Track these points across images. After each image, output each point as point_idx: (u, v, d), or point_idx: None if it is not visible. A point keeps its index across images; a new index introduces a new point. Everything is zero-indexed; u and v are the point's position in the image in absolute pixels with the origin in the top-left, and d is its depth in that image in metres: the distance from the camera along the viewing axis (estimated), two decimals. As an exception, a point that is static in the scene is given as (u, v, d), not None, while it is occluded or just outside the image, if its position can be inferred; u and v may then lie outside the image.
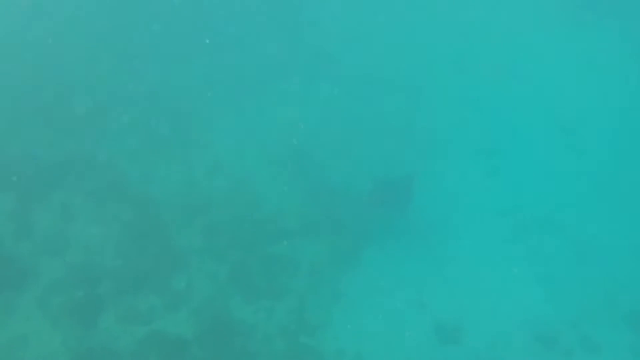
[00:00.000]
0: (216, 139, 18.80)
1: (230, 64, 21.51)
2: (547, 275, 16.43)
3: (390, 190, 17.62)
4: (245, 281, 15.43)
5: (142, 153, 17.54)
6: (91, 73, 19.79)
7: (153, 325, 14.01)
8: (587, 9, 23.92)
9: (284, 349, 14.49)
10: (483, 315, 15.64)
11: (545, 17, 24.25)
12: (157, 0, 23.08)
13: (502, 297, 16.07)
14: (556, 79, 22.13)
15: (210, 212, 16.70)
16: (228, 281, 15.32)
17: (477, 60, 22.05)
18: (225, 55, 21.96)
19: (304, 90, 21.05)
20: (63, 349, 12.84)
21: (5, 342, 12.48)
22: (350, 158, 18.65)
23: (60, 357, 12.67)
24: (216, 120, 19.41)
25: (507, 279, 16.50)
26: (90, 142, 17.43)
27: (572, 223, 17.93)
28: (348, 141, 19.28)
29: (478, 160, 19.52)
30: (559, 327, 15.70)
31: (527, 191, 18.80)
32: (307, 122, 19.87)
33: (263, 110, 20.07)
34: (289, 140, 19.20)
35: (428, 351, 14.92)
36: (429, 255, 16.84)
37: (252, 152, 18.72)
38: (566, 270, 16.86)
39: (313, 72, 21.52)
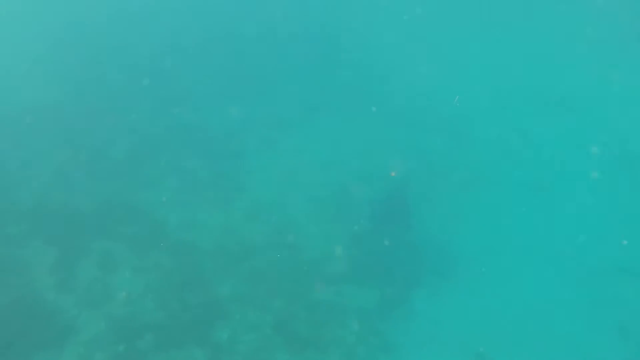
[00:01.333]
0: (255, 180, 18.61)
1: (268, 102, 21.59)
2: (621, 323, 15.27)
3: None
4: (290, 331, 14.82)
5: (180, 197, 17.45)
6: (127, 118, 20.17)
7: (196, 381, 13.59)
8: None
9: (333, 405, 13.80)
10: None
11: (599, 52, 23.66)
12: (182, 45, 23.61)
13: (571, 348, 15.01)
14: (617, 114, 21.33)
15: (251, 258, 16.29)
16: (272, 331, 14.74)
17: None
18: (262, 96, 22.07)
19: (343, 127, 20.83)
20: (106, 408, 12.55)
21: (47, 402, 12.29)
22: (396, 197, 18.19)
23: (103, 418, 12.37)
24: (254, 161, 19.27)
25: (578, 330, 15.45)
26: (129, 187, 17.52)
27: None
28: (391, 178, 18.86)
29: (528, 198, 18.76)
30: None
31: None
32: (348, 158, 19.59)
33: (302, 149, 19.88)
34: (330, 179, 18.88)
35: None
36: (485, 303, 15.97)
37: (293, 192, 18.40)
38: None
39: (352, 107, 21.37)
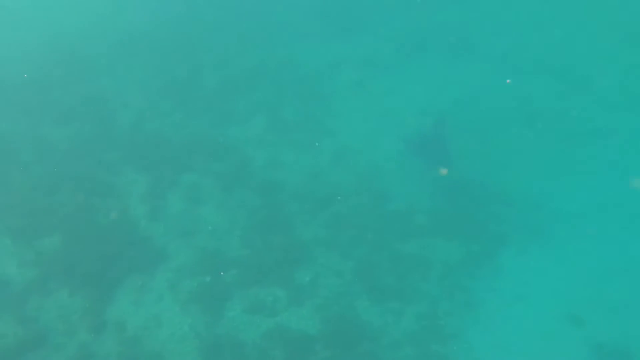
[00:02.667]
0: (343, 123, 18.14)
1: (361, 42, 20.78)
2: None
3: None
4: (372, 280, 14.64)
5: (268, 137, 17.40)
6: (219, 51, 20.15)
7: (277, 318, 13.71)
8: None
9: (413, 357, 13.63)
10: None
11: None
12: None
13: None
14: None
15: (336, 203, 16.11)
16: (354, 278, 14.63)
17: None
18: (355, 35, 21.27)
19: (442, 69, 19.75)
20: (192, 334, 12.95)
21: (141, 321, 12.85)
22: (495, 155, 17.17)
23: (190, 342, 12.78)
24: (344, 103, 18.77)
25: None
26: (218, 122, 17.64)
27: None
28: (491, 133, 17.77)
29: None
30: None
31: None
32: (444, 106, 18.65)
33: (394, 91, 19.10)
34: (423, 126, 18.10)
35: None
36: (580, 265, 15.01)
37: (382, 138, 17.82)
38: None
39: (452, 50, 20.17)
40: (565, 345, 13.45)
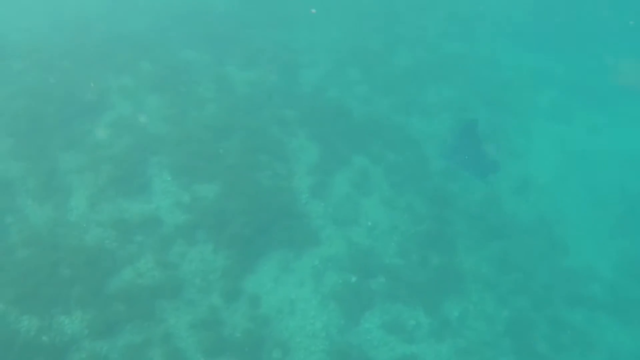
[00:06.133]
0: (534, 149, 15.42)
1: (576, 65, 17.57)
2: None
3: None
4: (524, 340, 12.22)
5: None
6: (419, 30, 17.88)
7: (413, 347, 11.78)
8: None
9: None
10: None
11: None
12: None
13: None
14: None
15: (507, 239, 13.66)
16: (505, 331, 12.27)
17: None
18: (570, 55, 18.04)
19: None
20: (323, 333, 11.39)
21: (277, 302, 11.46)
22: None
23: (319, 341, 11.23)
24: (540, 126, 15.94)
25: None
26: (402, 109, 15.56)
27: None
28: None
29: None
30: None
31: None
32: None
33: (600, 130, 15.93)
34: (624, 181, 14.96)
35: None
36: None
37: (572, 181, 14.97)
38: None
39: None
40: None
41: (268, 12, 17.63)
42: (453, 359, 11.79)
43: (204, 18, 16.85)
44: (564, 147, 15.67)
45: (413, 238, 13.03)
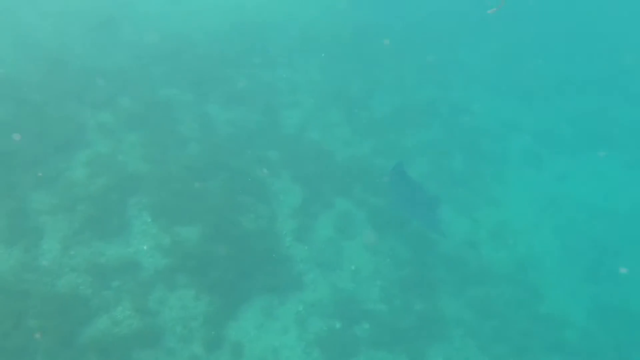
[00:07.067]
0: (510, 195, 15.60)
1: (543, 114, 18.17)
2: None
3: None
4: (505, 388, 12.17)
5: (431, 185, 15.07)
6: (397, 78, 18.11)
7: (398, 397, 11.52)
8: None
9: None
10: None
11: None
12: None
13: None
14: None
15: (486, 284, 13.56)
16: (487, 380, 12.20)
17: None
18: (538, 102, 18.68)
19: (627, 169, 16.85)
20: (309, 385, 10.95)
21: (260, 350, 10.78)
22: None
23: (303, 395, 10.78)
24: (515, 173, 16.22)
25: None
26: (382, 152, 15.48)
27: None
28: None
29: None
30: None
31: None
32: (624, 210, 15.74)
33: (570, 177, 16.36)
34: (594, 230, 15.30)
35: None
36: None
37: (547, 227, 15.17)
38: None
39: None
40: None
41: (250, 52, 17.46)
42: (437, 410, 11.50)
43: (185, 55, 16.48)
44: (535, 194, 15.96)
45: (396, 283, 12.77)
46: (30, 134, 12.35)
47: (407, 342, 11.99)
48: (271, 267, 12.00)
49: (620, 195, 16.47)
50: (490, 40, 21.27)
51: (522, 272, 14.07)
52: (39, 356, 9.40)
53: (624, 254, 14.95)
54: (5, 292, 9.88)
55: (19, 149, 12.03)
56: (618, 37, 22.72)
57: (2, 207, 10.97)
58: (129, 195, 12.04)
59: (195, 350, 10.45)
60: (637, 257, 14.94)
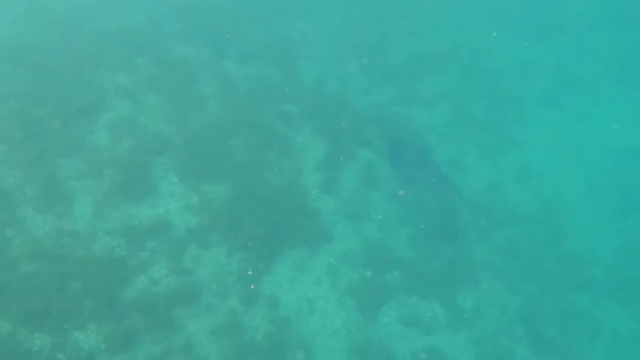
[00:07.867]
0: (532, 136, 15.27)
1: (563, 50, 17.45)
2: None
3: None
4: (535, 325, 12.13)
5: (452, 131, 14.75)
6: (414, 24, 17.40)
7: (431, 338, 11.54)
8: None
9: None
10: None
11: None
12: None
13: None
14: None
15: (512, 227, 13.49)
16: (516, 318, 12.14)
17: None
18: (557, 40, 17.93)
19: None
20: (344, 331, 10.95)
21: (295, 302, 10.94)
22: None
23: (340, 340, 10.79)
24: (535, 113, 15.78)
25: None
26: (401, 100, 15.12)
27: None
28: None
29: None
30: None
31: None
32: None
33: (591, 116, 15.90)
34: (617, 165, 14.98)
35: None
36: None
37: (571, 167, 14.91)
38: None
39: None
40: None
41: (263, 4, 16.80)
42: (470, 348, 11.61)
43: (199, 12, 15.90)
44: (558, 135, 15.58)
45: (423, 231, 12.72)
46: (51, 101, 12.13)
47: (437, 287, 12.05)
48: (300, 221, 11.96)
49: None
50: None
51: (548, 213, 13.95)
52: (85, 318, 9.57)
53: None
54: (45, 257, 9.96)
55: (42, 117, 11.86)
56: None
57: (33, 174, 10.91)
58: (153, 157, 11.92)
59: (233, 304, 10.57)
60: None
